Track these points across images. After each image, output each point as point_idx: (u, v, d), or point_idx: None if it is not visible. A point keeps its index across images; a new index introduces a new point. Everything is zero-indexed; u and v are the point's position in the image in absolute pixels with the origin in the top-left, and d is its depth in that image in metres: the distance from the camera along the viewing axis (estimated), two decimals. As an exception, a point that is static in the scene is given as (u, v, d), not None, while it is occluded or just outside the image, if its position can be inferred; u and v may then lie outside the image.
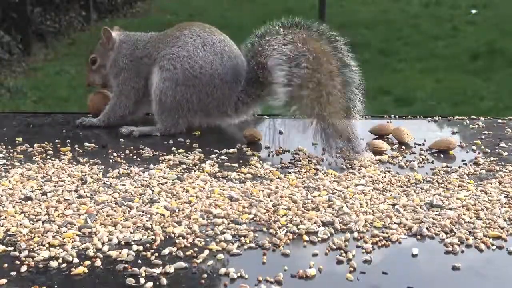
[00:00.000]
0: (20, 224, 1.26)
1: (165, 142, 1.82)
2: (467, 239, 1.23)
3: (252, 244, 1.21)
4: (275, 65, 1.79)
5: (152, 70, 1.91)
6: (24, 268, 1.11)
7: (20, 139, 1.80)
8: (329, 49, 1.79)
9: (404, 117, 2.11)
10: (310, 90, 1.72)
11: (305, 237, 1.24)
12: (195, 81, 1.85)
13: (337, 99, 1.71)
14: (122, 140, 1.83)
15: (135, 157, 1.70)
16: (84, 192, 1.43)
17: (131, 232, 1.24)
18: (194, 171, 1.58)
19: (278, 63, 1.78)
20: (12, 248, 1.18)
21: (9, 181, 1.48)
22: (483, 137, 1.88)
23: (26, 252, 1.16)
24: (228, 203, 1.38)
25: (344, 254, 1.17)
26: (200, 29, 1.91)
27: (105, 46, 1.99)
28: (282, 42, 1.80)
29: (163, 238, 1.23)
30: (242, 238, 1.23)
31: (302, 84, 1.73)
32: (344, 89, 1.73)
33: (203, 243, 1.21)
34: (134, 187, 1.46)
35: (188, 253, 1.17)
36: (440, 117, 2.09)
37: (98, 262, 1.14)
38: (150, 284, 1.07)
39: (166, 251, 1.17)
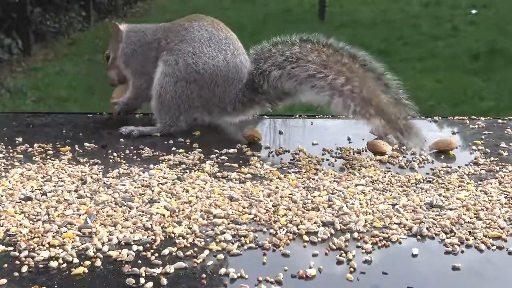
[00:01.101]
0: (20, 224, 1.26)
1: (165, 142, 1.82)
2: (467, 239, 1.23)
3: (252, 244, 1.21)
4: (308, 77, 1.77)
5: (157, 63, 1.91)
6: (24, 268, 1.11)
7: (20, 139, 1.80)
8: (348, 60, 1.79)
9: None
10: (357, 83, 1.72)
11: (305, 237, 1.24)
12: (197, 76, 1.85)
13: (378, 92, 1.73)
14: (122, 140, 1.83)
15: (135, 157, 1.70)
16: (84, 192, 1.43)
17: (131, 232, 1.24)
18: (194, 171, 1.58)
19: (312, 74, 1.76)
20: (12, 248, 1.18)
21: (9, 181, 1.48)
22: (483, 137, 1.88)
23: (26, 252, 1.16)
24: (228, 203, 1.38)
25: (344, 254, 1.17)
26: (208, 23, 1.91)
27: (115, 40, 1.99)
28: (303, 52, 1.79)
29: (163, 238, 1.23)
30: (242, 238, 1.23)
31: (348, 77, 1.72)
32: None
33: (203, 243, 1.21)
34: (134, 187, 1.46)
35: (188, 253, 1.17)
36: (440, 117, 2.09)
37: (98, 262, 1.14)
38: (150, 284, 1.07)
39: (166, 251, 1.17)
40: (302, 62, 1.78)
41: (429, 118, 2.08)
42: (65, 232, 1.23)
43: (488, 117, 2.09)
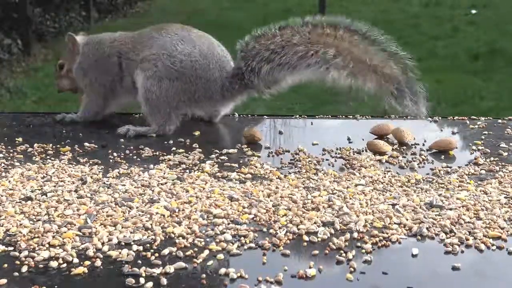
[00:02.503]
0: (20, 224, 1.26)
1: (165, 142, 1.82)
2: (467, 239, 1.23)
3: (252, 244, 1.21)
4: (299, 59, 1.81)
5: (134, 72, 1.93)
6: (24, 268, 1.11)
7: (20, 139, 1.80)
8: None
9: (404, 117, 2.11)
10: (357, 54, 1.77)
11: (305, 237, 1.24)
12: (178, 74, 1.88)
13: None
14: (122, 140, 1.83)
15: (135, 157, 1.70)
16: (84, 192, 1.43)
17: (131, 232, 1.24)
18: (194, 171, 1.58)
19: (301, 55, 1.80)
20: (12, 248, 1.18)
21: (9, 181, 1.48)
22: (483, 137, 1.88)
23: (26, 252, 1.16)
24: (228, 203, 1.38)
25: (344, 254, 1.17)
26: (176, 28, 1.95)
27: (71, 51, 2.03)
28: (285, 40, 1.82)
29: (163, 238, 1.23)
30: (242, 238, 1.23)
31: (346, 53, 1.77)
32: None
33: (203, 243, 1.21)
34: (134, 187, 1.46)
35: (188, 253, 1.17)
36: (440, 117, 2.09)
37: (98, 262, 1.14)
38: (150, 284, 1.07)
39: (166, 251, 1.17)
40: (288, 49, 1.82)
41: (429, 118, 2.08)
42: (65, 232, 1.23)
43: (488, 117, 2.09)
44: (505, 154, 1.73)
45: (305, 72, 1.83)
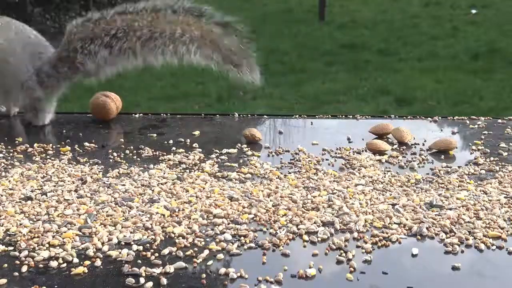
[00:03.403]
0: (20, 224, 1.26)
1: (165, 142, 1.82)
2: (467, 239, 1.23)
3: (252, 244, 1.21)
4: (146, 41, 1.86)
5: None
6: (24, 268, 1.12)
7: (20, 139, 1.80)
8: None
9: (404, 117, 2.11)
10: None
11: (305, 237, 1.24)
12: None
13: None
14: (122, 140, 1.83)
15: (135, 157, 1.70)
16: (84, 192, 1.43)
17: (131, 232, 1.24)
18: (194, 171, 1.58)
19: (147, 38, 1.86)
20: (12, 248, 1.18)
21: (9, 181, 1.49)
22: (483, 137, 1.88)
23: (26, 252, 1.16)
24: (228, 203, 1.38)
25: (344, 254, 1.17)
26: None
27: None
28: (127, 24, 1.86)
29: (163, 238, 1.23)
30: (242, 238, 1.23)
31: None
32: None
33: (203, 243, 1.21)
34: (134, 187, 1.46)
35: (188, 253, 1.17)
36: (440, 117, 2.09)
37: (98, 262, 1.14)
38: (150, 284, 1.07)
39: (166, 251, 1.17)
40: (131, 35, 1.85)
41: (429, 118, 2.08)
42: (65, 232, 1.23)
43: (488, 117, 2.09)
44: (505, 154, 1.73)
45: (148, 56, 1.87)
